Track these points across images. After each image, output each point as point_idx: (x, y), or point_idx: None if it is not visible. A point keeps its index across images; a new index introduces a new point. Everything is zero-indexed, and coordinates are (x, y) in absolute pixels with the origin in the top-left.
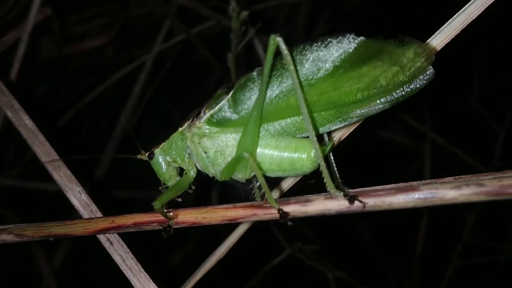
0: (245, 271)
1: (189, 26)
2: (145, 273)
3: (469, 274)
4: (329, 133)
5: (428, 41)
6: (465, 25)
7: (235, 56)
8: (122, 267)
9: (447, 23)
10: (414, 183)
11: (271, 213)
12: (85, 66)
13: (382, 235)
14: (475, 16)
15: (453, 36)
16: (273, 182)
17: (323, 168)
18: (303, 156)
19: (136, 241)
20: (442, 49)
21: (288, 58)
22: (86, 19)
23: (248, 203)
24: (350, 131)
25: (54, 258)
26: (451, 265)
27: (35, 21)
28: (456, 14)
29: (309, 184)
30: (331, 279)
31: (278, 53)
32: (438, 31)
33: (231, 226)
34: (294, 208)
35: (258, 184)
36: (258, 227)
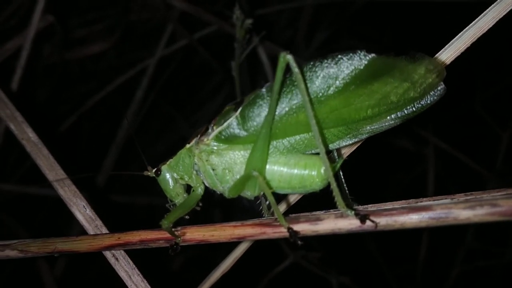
0: (249, 279)
1: (191, 31)
2: None
3: (472, 279)
4: (338, 149)
5: (437, 54)
6: (475, 39)
7: (239, 64)
8: (128, 283)
9: (457, 36)
10: (425, 199)
11: (280, 232)
12: (87, 70)
13: (385, 240)
14: (486, 29)
15: (463, 50)
16: (281, 195)
17: (334, 186)
18: (313, 173)
19: (140, 252)
20: (452, 62)
21: (298, 76)
22: (88, 24)
23: (257, 221)
24: (358, 145)
25: (56, 267)
26: (454, 270)
27: (37, 28)
28: (467, 27)
29: (318, 200)
30: (335, 285)
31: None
32: (448, 44)
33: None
34: (304, 227)
35: (267, 202)
36: None
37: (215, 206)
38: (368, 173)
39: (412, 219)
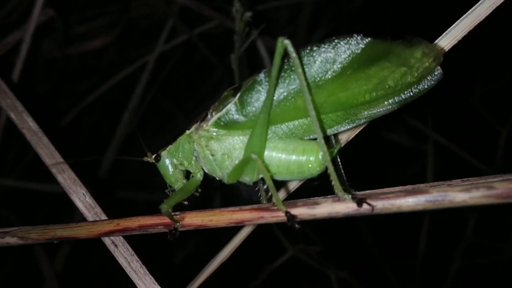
0: (248, 272)
1: (191, 26)
2: (150, 275)
3: (471, 274)
4: (336, 135)
5: (435, 41)
6: (473, 26)
7: (238, 57)
8: (127, 270)
9: (454, 24)
10: (422, 185)
11: (278, 216)
12: (87, 66)
13: (384, 235)
14: (483, 17)
15: (460, 38)
16: (279, 184)
17: (331, 171)
18: (311, 158)
19: (140, 242)
20: (449, 50)
21: (296, 61)
22: (88, 19)
23: (255, 206)
24: (356, 132)
25: (56, 260)
26: (453, 265)
27: (37, 22)
28: (464, 15)
29: (315, 186)
30: (334, 279)
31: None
32: (446, 32)
33: (234, 227)
34: (302, 211)
35: (265, 186)
36: (261, 228)
37: (215, 192)
38: (367, 167)
39: (409, 202)
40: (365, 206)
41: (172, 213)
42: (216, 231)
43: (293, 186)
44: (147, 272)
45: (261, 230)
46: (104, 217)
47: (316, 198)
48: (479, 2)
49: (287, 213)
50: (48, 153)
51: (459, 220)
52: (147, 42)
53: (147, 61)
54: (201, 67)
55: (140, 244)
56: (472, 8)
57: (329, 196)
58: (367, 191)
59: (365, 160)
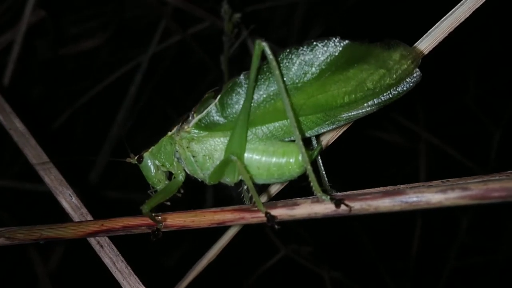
0: (240, 273)
1: (184, 27)
2: (135, 276)
3: (465, 274)
4: (318, 137)
5: (416, 44)
6: (452, 28)
7: (227, 58)
8: (112, 269)
9: (434, 26)
10: (402, 186)
11: (258, 217)
12: (80, 67)
13: (378, 235)
14: (463, 19)
15: (441, 39)
16: (262, 186)
17: (310, 172)
18: (291, 160)
19: (128, 243)
20: (433, 50)
21: (273, 63)
22: (81, 20)
23: (236, 207)
24: (340, 133)
25: (50, 260)
26: (447, 265)
27: (29, 22)
28: (444, 17)
29: (300, 187)
30: (327, 279)
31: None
32: (426, 34)
33: (223, 227)
34: (281, 212)
35: (246, 187)
36: (252, 228)
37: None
38: (358, 167)
39: (386, 203)
40: (343, 207)
41: (154, 214)
42: (207, 230)
43: (275, 189)
44: (132, 272)
45: (253, 230)
46: (90, 217)
47: (296, 199)
48: (459, 4)
49: (267, 213)
50: (35, 154)
51: (453, 220)
52: (140, 42)
53: (140, 61)
54: (195, 67)
55: (130, 244)
56: (452, 10)
57: (309, 197)
58: (348, 192)
59: (355, 161)
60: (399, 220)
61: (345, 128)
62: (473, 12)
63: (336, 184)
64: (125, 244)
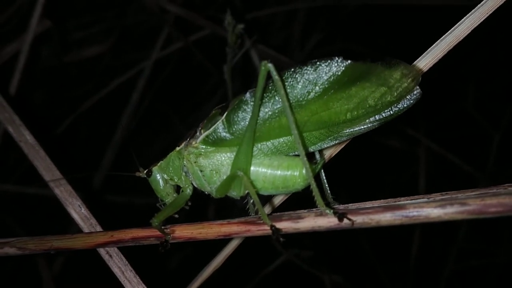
0: (242, 277)
1: (186, 33)
2: (143, 285)
3: (464, 278)
4: (321, 151)
5: (416, 62)
6: (452, 46)
7: (231, 68)
8: (121, 279)
9: (434, 44)
10: (403, 199)
11: (264, 230)
12: (83, 73)
13: (378, 239)
14: (462, 38)
15: (440, 57)
16: (265, 198)
17: (313, 186)
18: (295, 173)
19: (135, 250)
20: (430, 69)
21: (278, 83)
22: (85, 26)
23: (242, 219)
24: (342, 146)
25: (54, 265)
26: (446, 269)
27: (35, 33)
28: (444, 36)
29: (304, 198)
30: (328, 283)
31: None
32: (426, 52)
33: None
34: (286, 225)
35: (252, 201)
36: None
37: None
38: (361, 174)
39: (387, 217)
40: (345, 220)
41: (163, 227)
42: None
43: (278, 200)
44: (141, 282)
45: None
46: (99, 228)
47: (300, 212)
48: (459, 23)
49: (272, 226)
50: (45, 166)
51: (452, 223)
52: (143, 49)
53: (143, 67)
54: (197, 73)
55: (136, 251)
56: (452, 28)
57: (312, 210)
58: (351, 205)
59: (359, 167)
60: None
61: (347, 142)
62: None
63: (339, 196)
64: (131, 250)
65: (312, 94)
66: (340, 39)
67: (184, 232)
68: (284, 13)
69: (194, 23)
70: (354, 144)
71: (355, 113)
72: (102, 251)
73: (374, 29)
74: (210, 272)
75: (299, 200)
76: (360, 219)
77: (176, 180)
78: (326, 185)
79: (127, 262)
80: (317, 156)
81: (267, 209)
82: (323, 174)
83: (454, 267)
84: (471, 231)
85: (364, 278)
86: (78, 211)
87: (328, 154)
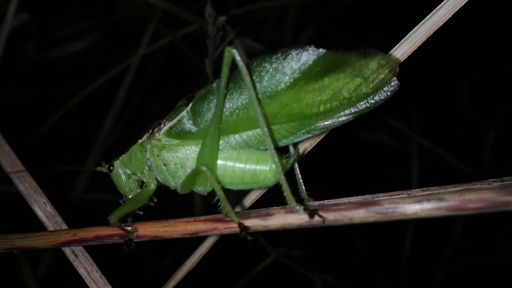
0: (230, 277)
1: (174, 28)
2: (109, 286)
3: (458, 277)
4: (295, 145)
5: (392, 50)
6: (431, 33)
7: (212, 61)
8: (87, 280)
9: (412, 31)
10: (381, 195)
11: (231, 227)
12: (69, 69)
13: (370, 238)
14: (441, 23)
15: (419, 44)
16: (239, 194)
17: (283, 181)
18: (265, 168)
19: (107, 251)
20: (411, 55)
21: (243, 70)
22: (70, 22)
23: (209, 217)
24: (318, 140)
25: (38, 266)
26: (440, 268)
27: (11, 26)
28: (422, 22)
29: (277, 195)
30: (318, 283)
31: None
32: (403, 39)
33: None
34: (255, 222)
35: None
36: None
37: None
38: (354, 171)
39: (360, 214)
40: (316, 218)
41: (124, 224)
42: (195, 239)
43: (250, 201)
44: (107, 283)
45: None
46: (65, 226)
47: (269, 208)
48: (437, 8)
49: (240, 224)
50: (9, 161)
51: (446, 222)
52: (130, 44)
53: (130, 63)
54: (185, 68)
55: (110, 253)
56: (430, 14)
57: (283, 207)
58: (326, 201)
59: (351, 164)
60: (392, 222)
61: (322, 137)
62: (454, 15)
63: (315, 192)
64: (104, 252)
65: (282, 84)
66: (332, 35)
67: (148, 230)
68: (277, 7)
69: (180, 18)
70: (333, 137)
71: (329, 105)
72: (67, 250)
73: (368, 24)
74: (185, 273)
75: (276, 197)
76: (332, 216)
77: (139, 175)
78: (301, 181)
79: (93, 262)
80: (292, 150)
81: (238, 207)
82: (298, 169)
83: (449, 266)
84: (466, 230)
85: (356, 278)
86: (43, 208)
87: (303, 148)
